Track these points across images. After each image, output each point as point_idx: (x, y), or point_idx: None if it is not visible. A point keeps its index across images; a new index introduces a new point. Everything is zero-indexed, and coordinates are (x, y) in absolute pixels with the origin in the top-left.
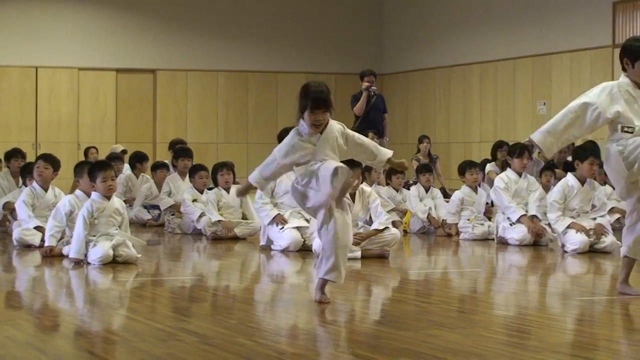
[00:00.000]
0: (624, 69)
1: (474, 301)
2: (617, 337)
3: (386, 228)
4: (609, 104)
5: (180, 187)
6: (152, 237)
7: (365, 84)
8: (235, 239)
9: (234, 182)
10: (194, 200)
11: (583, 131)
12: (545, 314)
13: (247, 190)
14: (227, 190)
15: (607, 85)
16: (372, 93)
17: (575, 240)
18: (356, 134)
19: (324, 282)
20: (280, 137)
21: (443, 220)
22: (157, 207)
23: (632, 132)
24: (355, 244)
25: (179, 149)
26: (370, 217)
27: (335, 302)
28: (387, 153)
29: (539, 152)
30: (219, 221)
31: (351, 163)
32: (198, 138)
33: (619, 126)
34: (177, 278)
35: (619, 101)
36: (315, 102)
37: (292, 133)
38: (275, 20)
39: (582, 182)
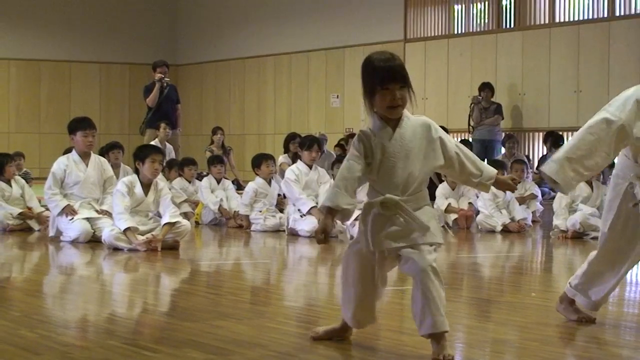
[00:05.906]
0: None
1: (264, 293)
2: (398, 327)
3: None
4: (637, 118)
5: None
6: None
7: (157, 75)
8: (30, 229)
9: (23, 172)
10: None
11: (609, 157)
12: (332, 305)
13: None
14: (9, 181)
15: (632, 93)
16: (165, 84)
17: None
18: (451, 139)
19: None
20: (71, 128)
21: (235, 211)
22: None
23: None
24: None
25: None
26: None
27: (125, 295)
28: (492, 170)
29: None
30: (21, 213)
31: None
32: None
33: None
34: None
35: None
36: (386, 73)
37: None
38: (68, 9)
39: None
